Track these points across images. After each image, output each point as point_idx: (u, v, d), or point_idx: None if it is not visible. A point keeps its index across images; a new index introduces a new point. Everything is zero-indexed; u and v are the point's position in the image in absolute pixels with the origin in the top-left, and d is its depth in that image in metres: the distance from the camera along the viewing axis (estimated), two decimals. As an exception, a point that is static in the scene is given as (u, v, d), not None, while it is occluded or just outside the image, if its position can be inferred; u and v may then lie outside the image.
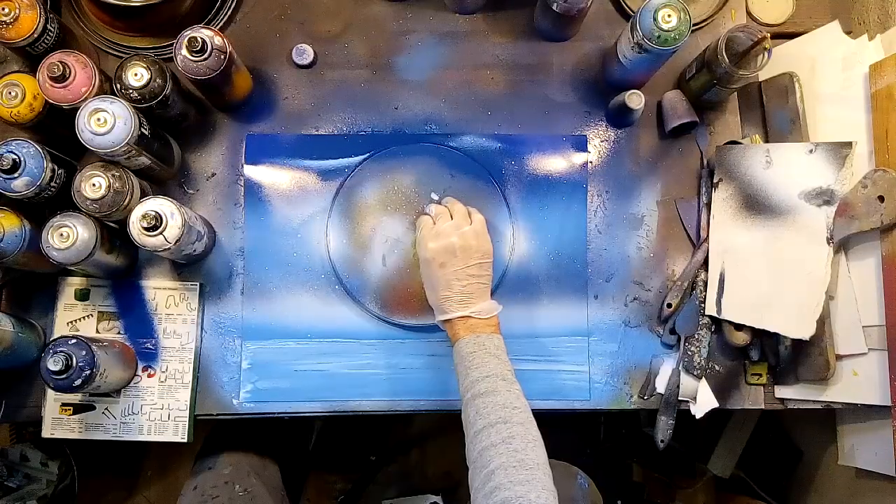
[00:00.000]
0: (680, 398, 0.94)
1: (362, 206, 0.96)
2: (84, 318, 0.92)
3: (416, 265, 0.93)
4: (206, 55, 0.83)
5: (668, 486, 1.47)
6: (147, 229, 0.80)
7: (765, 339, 0.93)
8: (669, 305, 0.95)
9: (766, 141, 0.99)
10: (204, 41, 0.83)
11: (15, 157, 0.79)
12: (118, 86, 0.84)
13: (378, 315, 0.94)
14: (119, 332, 0.92)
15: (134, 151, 0.83)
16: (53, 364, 0.77)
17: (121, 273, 0.93)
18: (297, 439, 1.31)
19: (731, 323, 0.92)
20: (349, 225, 0.96)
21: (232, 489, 0.94)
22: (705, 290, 0.95)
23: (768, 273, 0.91)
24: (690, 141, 1.01)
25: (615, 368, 0.96)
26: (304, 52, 0.99)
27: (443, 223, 0.86)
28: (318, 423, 1.46)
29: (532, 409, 0.93)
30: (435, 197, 0.96)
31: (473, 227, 0.85)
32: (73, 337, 0.80)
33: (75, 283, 0.93)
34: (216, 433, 1.08)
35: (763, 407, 0.95)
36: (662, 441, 0.94)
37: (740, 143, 0.97)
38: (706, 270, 0.96)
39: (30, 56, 0.87)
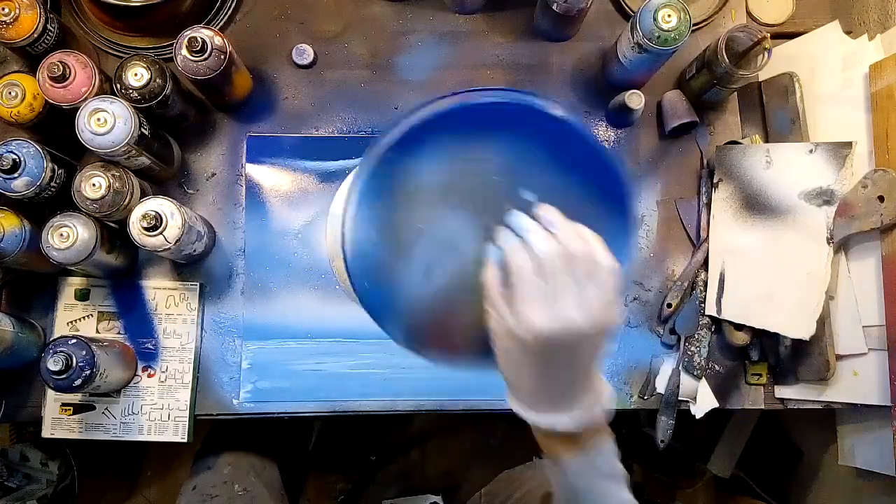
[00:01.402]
0: (680, 398, 0.94)
1: (407, 190, 0.58)
2: (84, 318, 0.92)
3: (473, 290, 0.57)
4: (206, 55, 0.83)
5: (668, 486, 1.47)
6: (147, 229, 0.80)
7: (765, 339, 0.93)
8: (669, 305, 0.95)
9: (766, 141, 0.99)
10: (204, 41, 0.83)
11: (15, 157, 0.79)
12: (118, 86, 0.84)
13: (408, 346, 0.61)
14: (119, 332, 0.92)
15: (134, 151, 0.83)
16: (53, 364, 0.77)
17: (121, 273, 0.93)
18: (297, 439, 1.31)
19: (731, 323, 0.92)
20: (383, 215, 0.58)
21: (231, 489, 0.94)
22: (705, 290, 0.95)
23: (768, 273, 0.91)
24: (690, 141, 1.01)
25: (615, 368, 0.96)
26: (304, 52, 0.99)
27: (555, 281, 0.50)
28: (318, 423, 1.46)
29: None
30: (529, 197, 0.56)
31: (604, 290, 0.51)
32: (73, 337, 0.80)
33: (75, 283, 0.93)
34: (215, 433, 1.08)
35: (763, 407, 0.95)
36: (662, 441, 0.94)
37: (740, 143, 0.97)
38: (706, 270, 0.96)
39: (30, 56, 0.87)
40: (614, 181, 0.58)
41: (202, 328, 0.94)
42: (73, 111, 0.80)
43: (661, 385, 0.95)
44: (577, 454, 0.54)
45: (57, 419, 0.90)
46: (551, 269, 0.50)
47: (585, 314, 0.50)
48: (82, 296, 0.93)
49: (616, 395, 0.92)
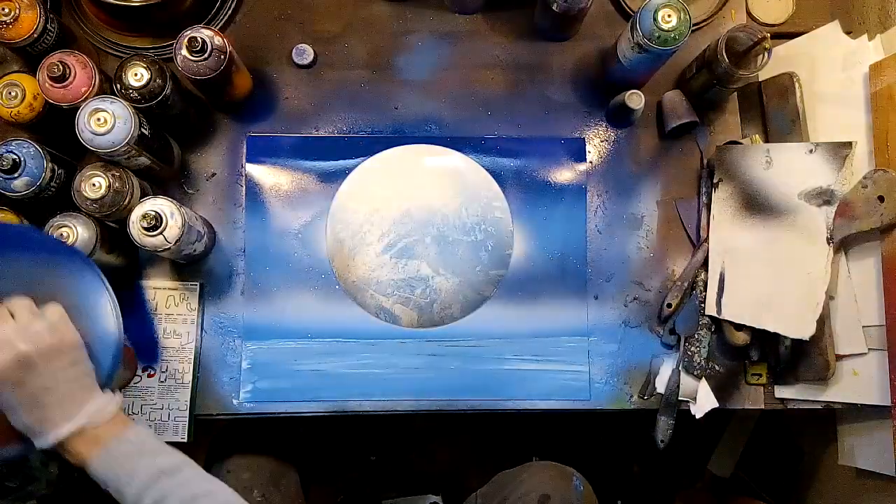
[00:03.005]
0: (680, 398, 0.94)
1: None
2: (84, 318, 0.92)
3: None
4: (206, 55, 0.83)
5: (668, 487, 1.47)
6: (147, 229, 0.80)
7: (765, 339, 0.93)
8: (669, 305, 0.95)
9: (766, 141, 0.99)
10: (204, 41, 0.83)
11: (15, 157, 0.79)
12: (118, 86, 0.84)
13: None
14: (119, 332, 0.92)
15: (134, 151, 0.83)
16: (53, 364, 0.76)
17: (121, 273, 0.93)
18: (314, 443, 1.29)
19: (731, 323, 0.92)
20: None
21: (250, 495, 0.93)
22: (705, 290, 0.95)
23: (768, 273, 0.91)
24: (690, 141, 1.01)
25: (615, 368, 0.96)
26: (304, 52, 0.99)
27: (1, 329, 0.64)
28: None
29: (532, 409, 0.94)
30: None
31: (48, 321, 0.66)
32: (73, 337, 0.79)
33: (75, 283, 0.93)
34: (230, 432, 1.06)
35: (763, 407, 0.95)
36: (662, 441, 0.94)
37: (740, 143, 0.97)
38: (706, 270, 0.96)
39: (30, 56, 0.87)
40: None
41: (202, 328, 0.94)
42: (73, 111, 0.80)
43: (661, 385, 0.95)
44: (95, 451, 0.65)
45: (57, 419, 0.90)
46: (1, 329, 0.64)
47: (32, 343, 0.64)
48: (82, 296, 0.92)
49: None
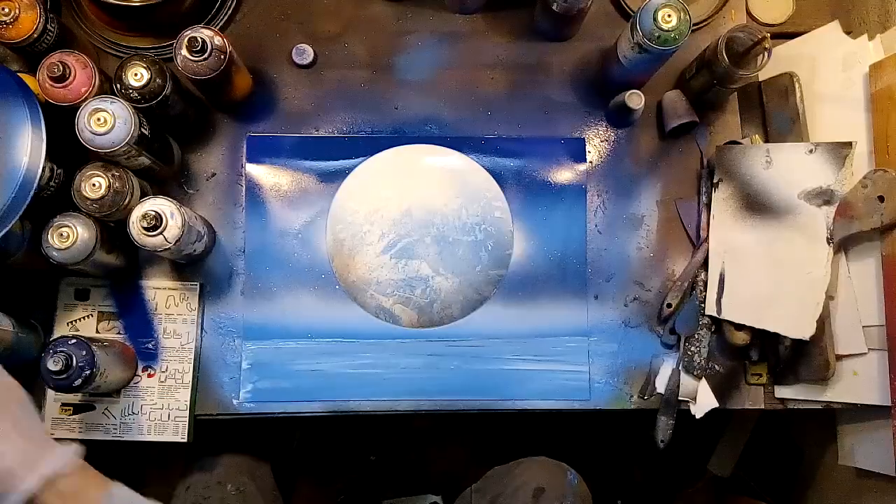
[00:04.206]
0: (680, 398, 0.94)
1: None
2: (84, 318, 0.92)
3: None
4: (206, 55, 0.83)
5: (668, 487, 1.47)
6: (147, 229, 0.80)
7: (765, 339, 0.93)
8: (669, 305, 0.95)
9: (766, 141, 0.99)
10: (204, 41, 0.83)
11: (15, 157, 0.79)
12: (118, 86, 0.84)
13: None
14: (119, 332, 0.92)
15: (134, 151, 0.83)
16: (53, 364, 0.77)
17: (121, 273, 0.93)
18: (286, 440, 1.30)
19: (731, 323, 0.92)
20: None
21: (224, 489, 0.94)
22: (705, 290, 0.95)
23: (768, 273, 0.91)
24: (690, 141, 1.01)
25: (615, 368, 0.96)
26: (304, 52, 0.99)
27: None
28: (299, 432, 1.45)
29: (532, 409, 0.94)
30: None
31: None
32: (73, 337, 0.80)
33: (75, 283, 0.93)
34: (207, 433, 1.07)
35: (763, 407, 0.95)
36: (662, 441, 0.94)
37: (740, 143, 0.97)
38: (706, 270, 0.96)
39: (30, 56, 0.87)
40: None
41: (202, 328, 0.94)
42: (73, 111, 0.80)
43: (661, 385, 0.95)
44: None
45: (57, 419, 0.90)
46: None
47: None
48: (82, 296, 0.93)
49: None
